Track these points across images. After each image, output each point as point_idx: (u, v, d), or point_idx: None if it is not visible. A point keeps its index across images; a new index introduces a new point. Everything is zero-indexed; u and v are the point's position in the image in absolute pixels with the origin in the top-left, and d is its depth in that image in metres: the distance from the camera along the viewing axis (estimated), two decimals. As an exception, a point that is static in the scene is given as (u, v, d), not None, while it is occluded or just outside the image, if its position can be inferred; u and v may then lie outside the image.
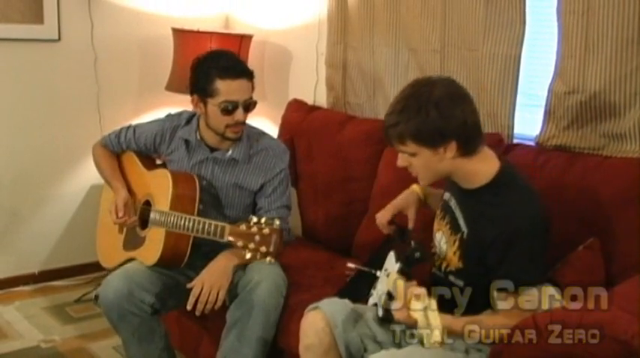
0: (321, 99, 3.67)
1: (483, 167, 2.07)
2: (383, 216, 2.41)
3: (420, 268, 2.16)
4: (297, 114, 3.57)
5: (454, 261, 2.13)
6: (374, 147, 3.14)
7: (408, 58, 3.17)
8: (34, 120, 3.75)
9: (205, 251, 2.57)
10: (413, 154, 2.02)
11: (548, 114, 2.64)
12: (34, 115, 3.74)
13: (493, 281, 2.00)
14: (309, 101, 3.69)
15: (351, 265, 2.44)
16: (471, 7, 2.84)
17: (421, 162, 2.03)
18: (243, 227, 2.22)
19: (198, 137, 2.71)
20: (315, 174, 3.31)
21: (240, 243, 2.21)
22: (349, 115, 3.44)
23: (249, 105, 2.62)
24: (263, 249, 2.18)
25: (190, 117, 2.78)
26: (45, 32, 3.67)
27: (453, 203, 2.17)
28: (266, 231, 2.19)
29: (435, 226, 2.26)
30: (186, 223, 2.46)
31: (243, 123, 2.64)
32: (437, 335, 1.77)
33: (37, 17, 3.63)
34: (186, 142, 2.74)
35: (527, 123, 2.82)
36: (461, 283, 2.11)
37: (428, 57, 3.04)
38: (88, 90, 3.85)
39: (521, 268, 1.97)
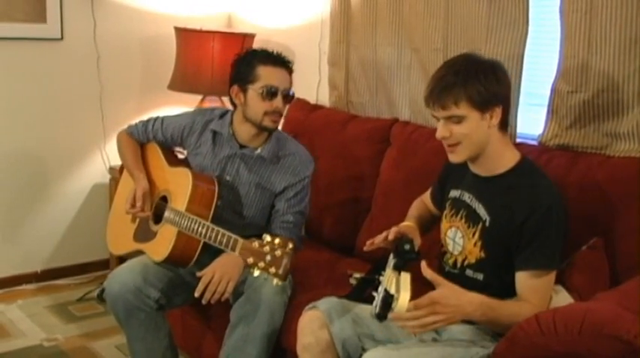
0: (324, 98, 3.67)
1: (508, 151, 2.11)
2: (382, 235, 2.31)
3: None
4: (300, 113, 3.57)
5: (475, 252, 2.12)
6: (377, 146, 3.14)
7: (411, 57, 3.17)
8: (36, 119, 3.75)
9: (214, 250, 2.56)
10: (460, 120, 2.01)
11: (551, 113, 2.64)
12: (37, 114, 3.75)
13: (517, 268, 2.02)
14: (312, 100, 3.69)
15: (356, 275, 2.44)
16: (474, 7, 2.83)
17: (467, 128, 2.02)
18: (255, 244, 2.17)
19: (231, 132, 2.71)
20: (318, 174, 3.28)
21: (250, 260, 2.17)
22: (352, 114, 3.44)
23: (288, 96, 2.65)
24: (272, 270, 2.14)
25: (224, 113, 2.78)
26: (48, 31, 3.68)
27: (467, 197, 2.17)
28: (278, 252, 2.14)
29: (445, 225, 2.26)
30: (200, 229, 2.45)
31: (281, 113, 2.65)
32: (404, 299, 1.75)
33: (40, 16, 3.63)
34: (214, 134, 2.74)
35: (530, 122, 2.82)
36: (480, 276, 2.11)
37: (431, 56, 3.04)
38: (90, 89, 3.86)
39: (550, 250, 2.00)
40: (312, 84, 3.73)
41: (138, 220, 2.78)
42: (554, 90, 2.62)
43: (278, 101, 2.60)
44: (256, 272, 2.17)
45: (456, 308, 1.89)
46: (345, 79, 3.51)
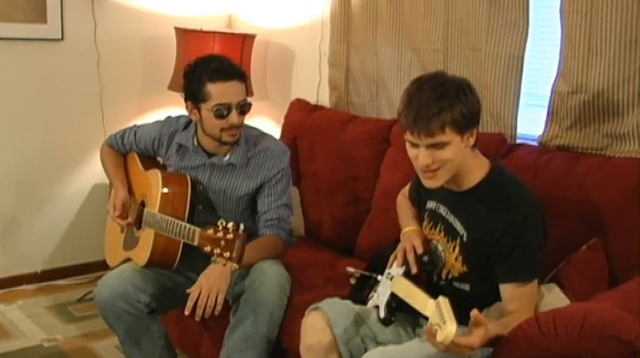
0: (324, 99, 3.67)
1: (477, 164, 2.09)
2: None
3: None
4: (300, 114, 3.57)
5: (457, 266, 2.12)
6: (377, 146, 3.14)
7: (411, 57, 3.17)
8: (37, 120, 3.75)
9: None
10: (443, 146, 1.97)
11: (551, 114, 2.64)
12: (37, 114, 3.75)
13: (500, 281, 2.02)
14: (312, 101, 3.69)
15: (350, 269, 2.44)
16: (474, 7, 2.83)
17: (450, 153, 1.98)
18: (211, 231, 2.21)
19: (196, 143, 2.71)
20: (318, 174, 3.31)
21: (207, 248, 2.20)
22: (352, 115, 3.44)
23: (243, 108, 2.59)
24: (227, 254, 2.16)
25: (188, 122, 2.77)
26: (48, 31, 3.68)
27: (442, 210, 2.17)
28: (230, 236, 2.16)
29: (427, 236, 2.26)
30: (166, 225, 2.47)
31: (239, 126, 2.61)
32: (451, 330, 1.72)
33: (40, 16, 3.63)
34: (180, 147, 2.74)
35: (531, 123, 2.82)
36: (467, 287, 2.12)
37: (430, 57, 3.04)
38: (90, 89, 3.86)
39: (531, 260, 1.99)
40: (312, 84, 3.73)
41: (125, 230, 2.80)
42: (555, 91, 2.62)
43: (233, 117, 2.56)
44: (216, 260, 2.20)
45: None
46: (346, 79, 3.51)
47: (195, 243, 2.31)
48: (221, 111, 2.54)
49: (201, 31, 3.70)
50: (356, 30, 3.42)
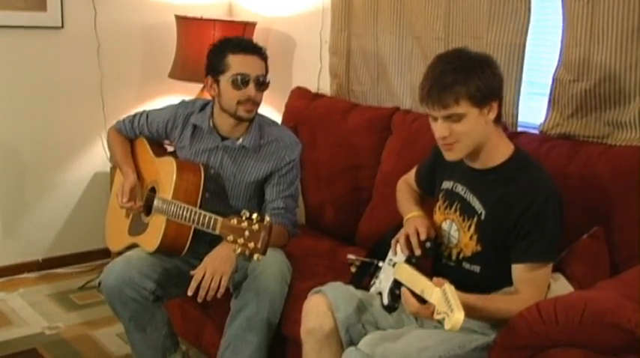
0: (325, 87, 3.66)
1: (502, 143, 2.10)
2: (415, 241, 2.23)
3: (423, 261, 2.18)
4: (301, 102, 3.57)
5: (471, 245, 2.12)
6: (377, 134, 3.14)
7: (412, 45, 3.16)
8: (37, 108, 3.75)
9: (209, 239, 2.57)
10: (459, 118, 1.99)
11: (553, 102, 2.64)
12: (38, 103, 3.74)
13: (513, 261, 2.02)
14: (313, 89, 3.69)
15: (351, 256, 2.44)
16: (476, -5, 2.83)
17: (467, 126, 2.00)
18: (234, 221, 2.21)
19: (211, 124, 2.71)
20: (319, 162, 3.31)
21: (230, 238, 2.20)
22: (353, 103, 3.44)
23: (262, 83, 2.62)
24: (251, 245, 2.17)
25: (204, 105, 2.78)
26: (48, 19, 3.67)
27: (460, 189, 2.17)
28: (255, 226, 2.16)
29: (439, 217, 2.25)
30: (184, 213, 2.47)
31: (256, 102, 2.63)
32: (458, 319, 1.72)
33: (40, 4, 3.62)
34: (195, 128, 2.74)
35: (532, 111, 2.82)
36: (477, 268, 2.11)
37: (432, 44, 3.03)
38: (91, 77, 3.85)
39: (547, 243, 2.00)
40: (313, 72, 3.73)
41: (131, 215, 2.80)
42: (556, 80, 2.62)
43: (250, 89, 2.59)
44: (238, 250, 2.19)
45: None
46: (346, 67, 3.51)
47: (217, 232, 2.31)
48: (240, 81, 2.57)
49: (201, 19, 3.69)
50: (357, 18, 3.41)
